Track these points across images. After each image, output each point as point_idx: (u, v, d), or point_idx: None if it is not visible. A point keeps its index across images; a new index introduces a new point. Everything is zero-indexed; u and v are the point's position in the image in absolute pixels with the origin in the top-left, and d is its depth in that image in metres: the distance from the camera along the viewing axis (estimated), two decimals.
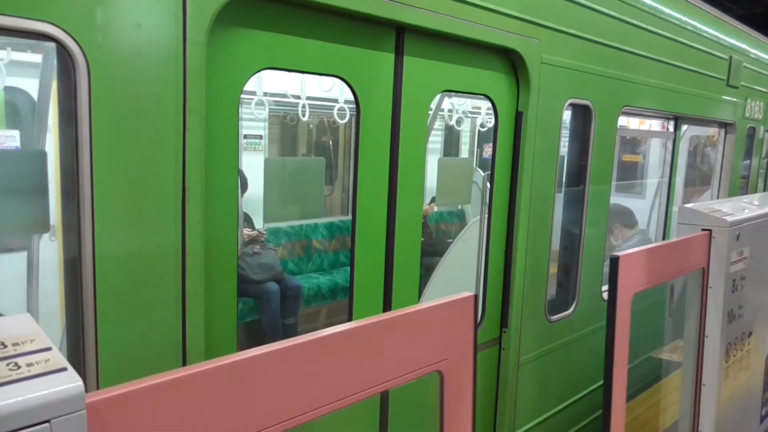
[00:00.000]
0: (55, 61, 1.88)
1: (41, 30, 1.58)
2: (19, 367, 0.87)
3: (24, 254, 3.01)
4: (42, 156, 2.23)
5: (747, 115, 6.23)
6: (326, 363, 1.34)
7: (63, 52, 1.64)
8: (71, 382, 0.86)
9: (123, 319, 1.79)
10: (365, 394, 1.43)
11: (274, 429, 1.22)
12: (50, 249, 3.17)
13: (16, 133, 3.61)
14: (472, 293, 1.70)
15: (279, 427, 1.23)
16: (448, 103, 7.27)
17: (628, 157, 7.71)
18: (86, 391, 0.88)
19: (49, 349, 0.94)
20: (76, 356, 1.77)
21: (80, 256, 1.72)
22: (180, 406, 1.07)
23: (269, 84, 5.76)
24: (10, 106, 3.85)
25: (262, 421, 1.19)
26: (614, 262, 2.16)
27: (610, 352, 2.22)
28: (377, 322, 1.47)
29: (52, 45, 1.65)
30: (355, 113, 2.59)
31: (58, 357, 0.92)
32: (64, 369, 0.89)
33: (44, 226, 2.15)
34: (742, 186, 6.68)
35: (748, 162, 6.75)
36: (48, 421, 0.83)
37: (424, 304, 1.63)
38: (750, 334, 3.11)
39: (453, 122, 7.58)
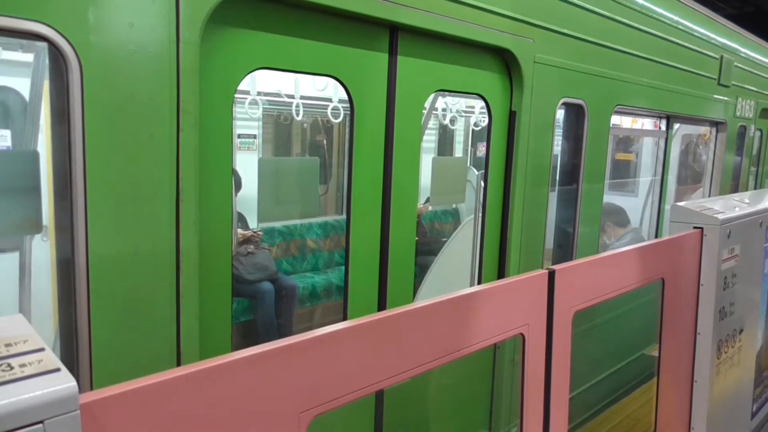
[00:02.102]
0: (46, 61, 1.88)
1: (33, 30, 1.58)
2: (12, 368, 0.87)
3: (16, 255, 2.99)
4: (34, 156, 2.22)
5: (738, 114, 6.27)
6: (407, 334, 1.49)
7: (55, 51, 1.63)
8: (65, 382, 0.86)
9: (117, 319, 1.79)
10: (454, 356, 1.60)
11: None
12: (43, 250, 3.16)
13: (7, 132, 3.58)
14: (546, 270, 1.88)
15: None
16: (441, 102, 7.28)
17: (621, 156, 7.74)
18: (80, 392, 0.88)
19: (42, 349, 0.94)
20: (70, 357, 1.76)
21: (73, 257, 1.71)
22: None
23: (263, 83, 5.75)
24: (0, 106, 3.82)
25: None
26: (550, 276, 1.89)
27: (547, 381, 1.96)
28: (469, 294, 1.66)
29: (44, 44, 1.64)
30: (349, 113, 2.59)
31: (51, 358, 0.91)
32: (57, 370, 0.88)
33: (36, 227, 2.14)
34: (732, 184, 6.72)
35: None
36: (41, 422, 0.83)
37: (508, 279, 1.86)
38: (741, 330, 3.13)
39: (447, 121, 7.59)
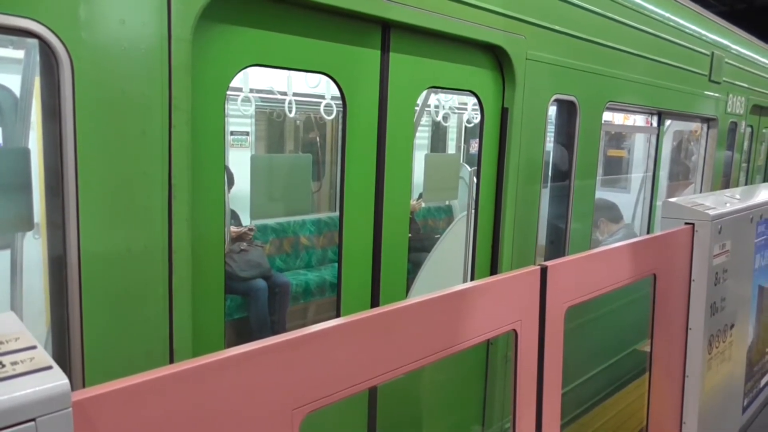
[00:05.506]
0: (37, 58, 1.87)
1: (24, 26, 1.57)
2: (3, 366, 0.87)
3: (7, 253, 2.98)
4: (25, 153, 2.20)
5: (729, 110, 6.30)
6: (395, 333, 1.49)
7: (46, 48, 1.62)
8: (57, 380, 0.86)
9: (109, 317, 1.78)
10: (447, 353, 1.61)
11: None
12: (34, 247, 3.14)
13: None
14: (538, 266, 1.89)
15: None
16: (434, 99, 7.28)
17: (613, 152, 7.78)
18: (72, 389, 0.88)
19: (34, 347, 0.94)
20: (62, 355, 1.76)
21: (65, 255, 1.71)
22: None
23: (256, 80, 5.73)
24: None
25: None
26: (543, 272, 1.90)
27: (540, 376, 1.97)
28: (461, 291, 1.67)
29: (34, 41, 1.63)
30: (341, 110, 2.59)
31: (43, 355, 0.91)
32: (49, 367, 0.88)
33: (28, 224, 2.13)
34: (723, 180, 6.76)
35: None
36: (33, 419, 0.82)
37: (501, 275, 1.86)
38: (732, 326, 3.16)
39: (440, 118, 7.59)
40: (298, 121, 7.61)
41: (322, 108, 6.08)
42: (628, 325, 4.79)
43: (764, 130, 8.26)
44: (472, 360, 3.40)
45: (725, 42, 6.03)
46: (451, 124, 8.56)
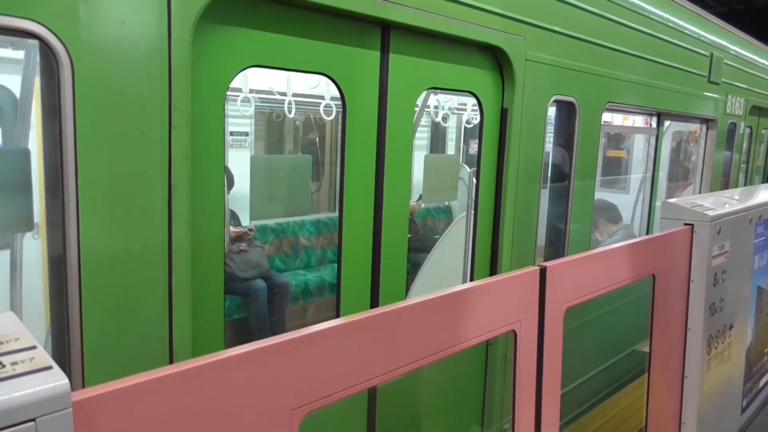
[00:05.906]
0: (38, 58, 1.87)
1: (24, 27, 1.57)
2: (3, 366, 0.87)
3: (7, 253, 2.98)
4: (25, 153, 2.21)
5: (728, 111, 6.31)
6: (395, 333, 1.50)
7: (46, 49, 1.62)
8: (57, 380, 0.86)
9: (109, 317, 1.79)
10: (447, 353, 1.62)
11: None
12: (34, 247, 3.14)
13: None
14: (538, 267, 1.90)
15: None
16: (434, 99, 7.29)
17: (612, 153, 7.79)
18: (71, 389, 0.88)
19: (34, 347, 0.94)
20: (61, 355, 1.76)
21: (65, 255, 1.71)
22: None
23: (255, 81, 5.74)
24: None
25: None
26: (542, 273, 1.90)
27: (539, 377, 1.97)
28: (461, 291, 1.68)
29: (35, 42, 1.63)
30: (341, 110, 2.60)
31: (43, 355, 0.91)
32: (49, 367, 0.88)
33: (28, 225, 2.13)
34: (722, 181, 6.77)
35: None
36: (33, 419, 0.83)
37: (500, 275, 1.87)
38: (731, 326, 3.16)
39: (439, 119, 7.59)
40: (297, 122, 7.61)
41: (321, 108, 6.08)
42: (627, 326, 4.80)
43: (763, 131, 8.27)
44: (471, 360, 3.41)
45: (724, 43, 6.04)
46: (451, 125, 8.56)
